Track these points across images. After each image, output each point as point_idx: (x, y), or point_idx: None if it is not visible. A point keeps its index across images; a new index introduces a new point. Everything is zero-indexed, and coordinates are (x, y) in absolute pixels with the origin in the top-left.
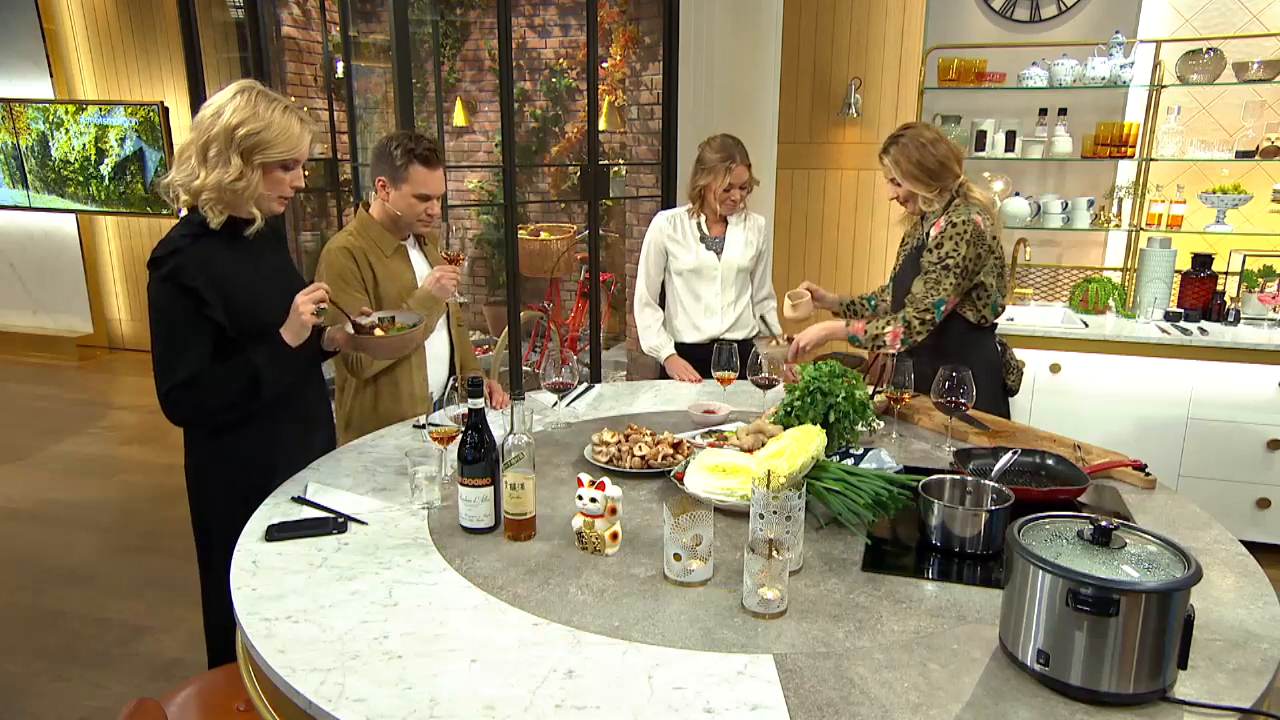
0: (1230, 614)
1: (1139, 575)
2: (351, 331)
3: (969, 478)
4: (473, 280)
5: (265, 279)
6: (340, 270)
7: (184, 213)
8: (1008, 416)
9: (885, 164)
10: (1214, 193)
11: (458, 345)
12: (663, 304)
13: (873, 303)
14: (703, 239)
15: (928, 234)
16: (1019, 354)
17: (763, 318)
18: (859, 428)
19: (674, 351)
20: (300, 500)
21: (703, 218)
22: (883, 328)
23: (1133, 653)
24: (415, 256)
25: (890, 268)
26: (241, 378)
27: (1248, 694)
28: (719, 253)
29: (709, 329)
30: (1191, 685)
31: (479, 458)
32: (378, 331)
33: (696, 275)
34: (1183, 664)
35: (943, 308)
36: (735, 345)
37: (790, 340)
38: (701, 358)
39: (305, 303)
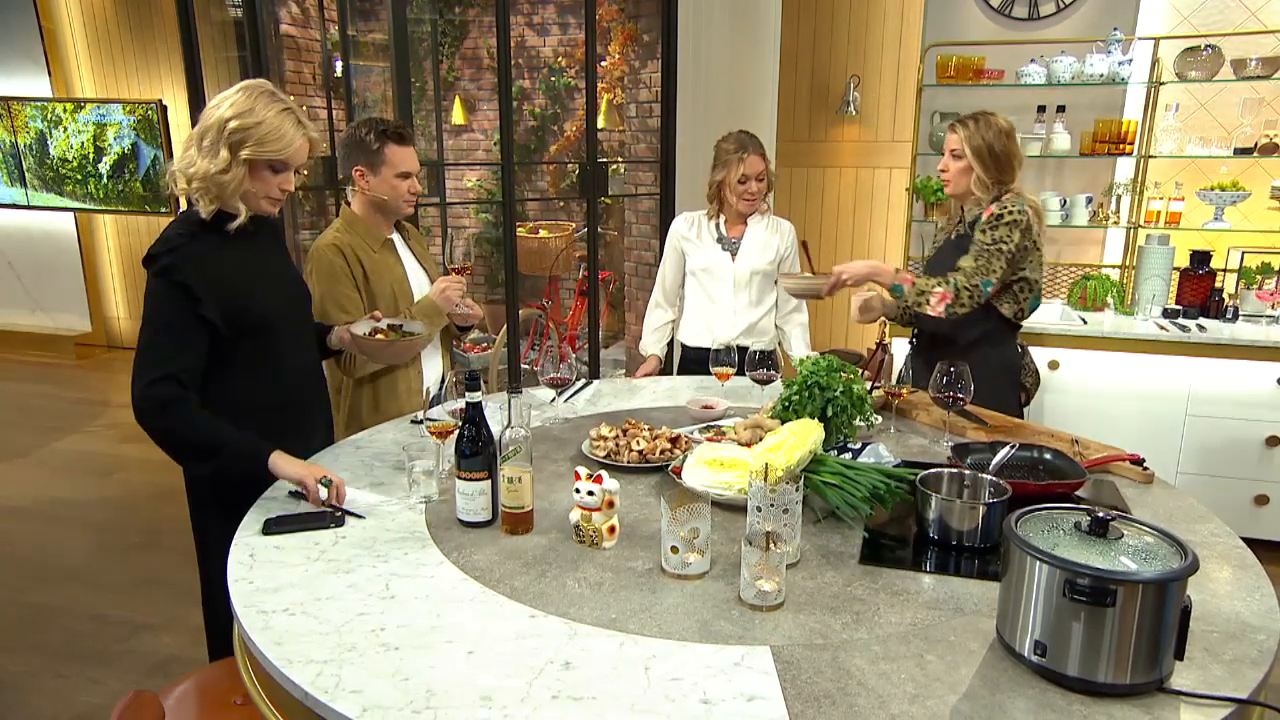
0: (1227, 606)
1: (1136, 566)
2: (355, 334)
3: (967, 472)
4: (471, 278)
5: (261, 276)
6: (329, 267)
7: (181, 207)
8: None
9: (958, 135)
10: (1212, 190)
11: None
12: None
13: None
14: (719, 240)
15: (976, 219)
16: None
17: (779, 326)
18: (857, 422)
19: (656, 354)
20: (297, 495)
21: (722, 218)
22: (932, 287)
23: (1129, 643)
24: (402, 251)
25: (886, 264)
26: (209, 437)
27: (1244, 684)
28: (734, 254)
29: (721, 333)
30: (1188, 676)
31: (476, 451)
32: (379, 336)
33: (709, 275)
34: (1179, 655)
35: (989, 289)
36: (735, 345)
37: (815, 274)
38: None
39: (311, 483)
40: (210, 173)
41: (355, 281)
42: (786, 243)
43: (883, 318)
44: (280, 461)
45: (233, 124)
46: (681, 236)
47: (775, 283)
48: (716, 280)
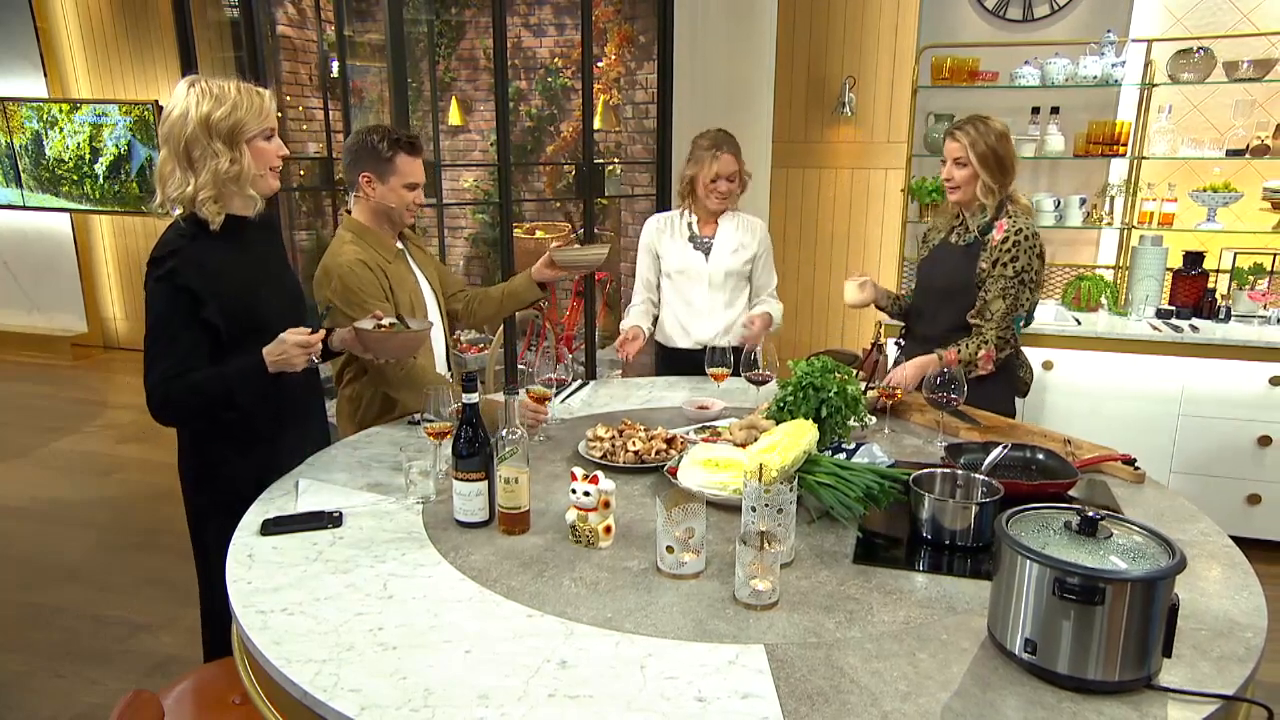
0: (1215, 604)
1: (1125, 565)
2: (360, 328)
3: (960, 472)
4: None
5: (261, 277)
6: (362, 284)
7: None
8: (1014, 416)
9: (959, 141)
10: (1205, 191)
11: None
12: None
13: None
14: (692, 238)
15: (980, 234)
16: None
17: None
18: (851, 423)
19: (638, 324)
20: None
21: (694, 217)
22: (974, 353)
23: (1118, 641)
24: (410, 260)
25: (882, 265)
26: (216, 389)
27: (1231, 681)
28: (707, 254)
29: (699, 333)
30: (1176, 673)
31: (473, 452)
32: (383, 329)
33: (684, 276)
34: (1168, 652)
35: (1021, 324)
36: (729, 347)
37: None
38: (695, 362)
39: (299, 352)
40: (220, 172)
41: (385, 294)
42: (757, 240)
43: (878, 321)
44: (271, 355)
45: (216, 116)
46: (655, 239)
47: (750, 281)
48: (691, 281)
